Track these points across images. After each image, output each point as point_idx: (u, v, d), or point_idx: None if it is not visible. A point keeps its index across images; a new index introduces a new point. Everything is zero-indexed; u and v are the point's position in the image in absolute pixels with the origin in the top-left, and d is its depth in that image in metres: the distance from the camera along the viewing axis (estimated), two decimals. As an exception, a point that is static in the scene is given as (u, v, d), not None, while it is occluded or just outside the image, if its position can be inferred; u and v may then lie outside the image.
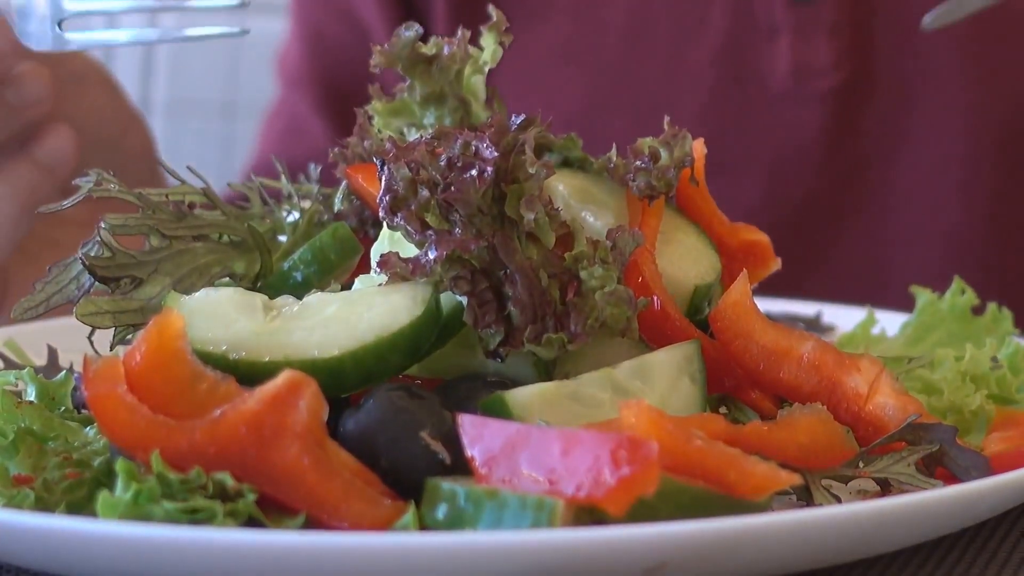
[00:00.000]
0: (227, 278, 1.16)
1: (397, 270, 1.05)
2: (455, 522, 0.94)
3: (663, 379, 1.06)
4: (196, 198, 1.19)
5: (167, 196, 1.17)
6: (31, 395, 1.11)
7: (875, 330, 1.40)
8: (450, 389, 1.04)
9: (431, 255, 1.04)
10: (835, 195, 1.96)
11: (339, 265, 1.16)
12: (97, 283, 1.13)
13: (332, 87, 2.09)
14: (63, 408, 1.11)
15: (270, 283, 1.17)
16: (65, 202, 1.16)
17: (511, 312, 1.04)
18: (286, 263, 1.18)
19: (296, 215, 1.24)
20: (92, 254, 1.12)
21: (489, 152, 1.05)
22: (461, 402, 1.02)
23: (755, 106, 1.97)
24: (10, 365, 1.25)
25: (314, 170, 1.30)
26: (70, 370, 1.16)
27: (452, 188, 1.04)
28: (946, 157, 1.95)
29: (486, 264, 1.05)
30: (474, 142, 1.05)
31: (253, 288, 1.16)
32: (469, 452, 0.95)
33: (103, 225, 1.13)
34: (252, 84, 2.75)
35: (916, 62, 1.93)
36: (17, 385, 1.12)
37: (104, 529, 0.91)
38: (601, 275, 1.05)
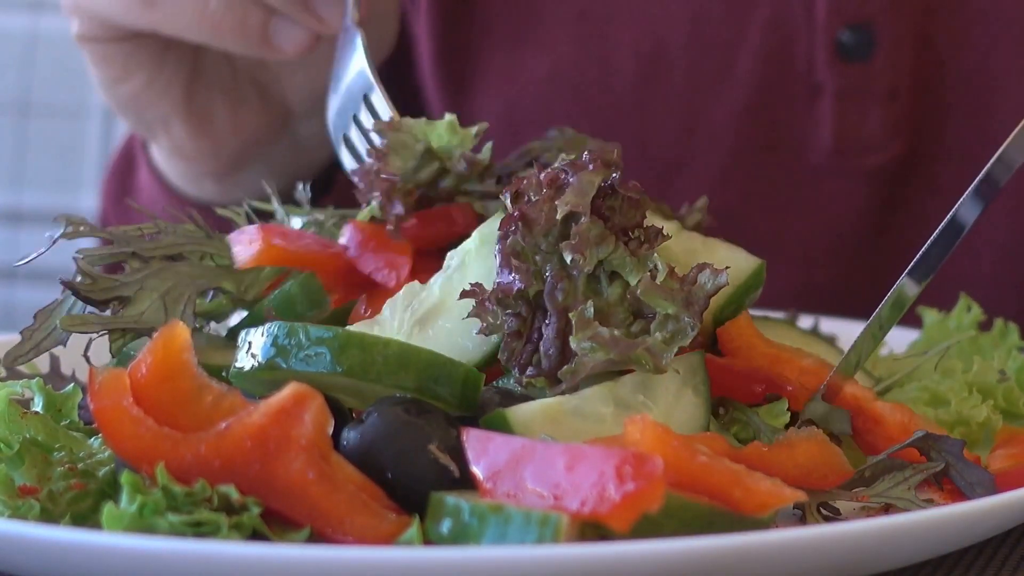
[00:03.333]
0: (216, 291, 1.17)
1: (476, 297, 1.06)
2: (459, 536, 0.93)
3: (667, 392, 1.06)
4: (173, 236, 1.18)
5: (141, 230, 1.18)
6: (38, 405, 1.11)
7: (883, 351, 1.38)
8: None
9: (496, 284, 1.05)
10: (877, 290, 1.56)
11: (305, 316, 1.15)
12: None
13: None
14: (68, 420, 1.11)
15: (249, 321, 1.17)
16: (33, 255, 1.17)
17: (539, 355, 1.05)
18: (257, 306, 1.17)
19: None
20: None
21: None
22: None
23: (786, 178, 1.65)
24: (13, 373, 1.25)
25: (304, 190, 1.30)
26: (78, 382, 1.16)
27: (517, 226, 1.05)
28: (1015, 249, 1.65)
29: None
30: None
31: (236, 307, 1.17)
32: (474, 466, 0.95)
33: (80, 256, 1.13)
34: (47, 82, 2.70)
35: (988, 137, 1.56)
36: (24, 394, 1.12)
37: (110, 541, 0.90)
38: (593, 349, 1.03)
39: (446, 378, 1.02)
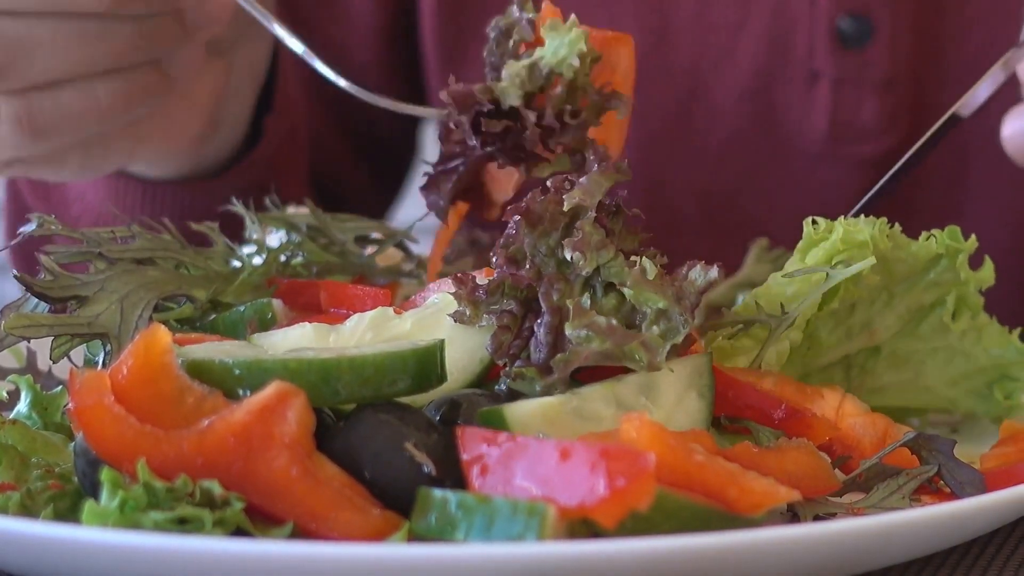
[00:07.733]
0: (184, 299, 1.15)
1: (462, 288, 1.06)
2: (445, 528, 0.92)
3: (670, 394, 1.04)
4: (146, 241, 1.17)
5: (113, 232, 1.16)
6: (24, 401, 1.10)
7: None
8: (451, 402, 1.03)
9: (486, 281, 1.05)
10: None
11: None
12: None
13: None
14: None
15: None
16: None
17: (530, 351, 1.04)
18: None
19: (261, 259, 1.23)
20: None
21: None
22: (462, 416, 1.01)
23: (780, 162, 1.67)
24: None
25: (274, 195, 1.29)
26: (55, 378, 1.14)
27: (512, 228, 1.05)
28: (998, 245, 1.59)
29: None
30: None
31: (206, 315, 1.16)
32: (464, 458, 0.94)
33: (47, 255, 1.11)
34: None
35: (979, 127, 1.56)
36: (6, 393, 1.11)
37: (94, 537, 0.89)
38: (588, 338, 1.03)
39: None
